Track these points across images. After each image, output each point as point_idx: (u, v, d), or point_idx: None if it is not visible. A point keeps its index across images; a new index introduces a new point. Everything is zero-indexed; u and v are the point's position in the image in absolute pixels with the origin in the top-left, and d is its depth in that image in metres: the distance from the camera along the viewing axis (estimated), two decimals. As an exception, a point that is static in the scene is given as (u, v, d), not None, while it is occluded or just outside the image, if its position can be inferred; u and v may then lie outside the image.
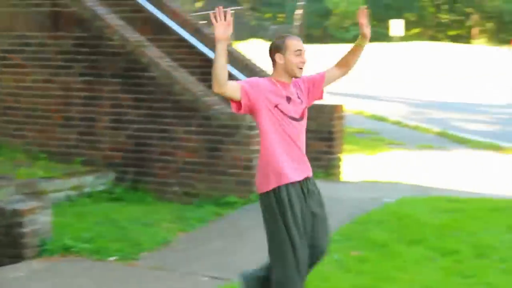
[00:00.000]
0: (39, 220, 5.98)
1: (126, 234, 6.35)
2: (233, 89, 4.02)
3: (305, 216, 4.18)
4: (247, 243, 6.31)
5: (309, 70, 4.34)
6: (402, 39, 39.28)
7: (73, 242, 6.08)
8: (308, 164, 4.27)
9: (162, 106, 7.84)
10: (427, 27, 54.16)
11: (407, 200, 7.58)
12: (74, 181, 7.71)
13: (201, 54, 8.91)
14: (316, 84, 4.38)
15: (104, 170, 8.00)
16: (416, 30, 52.45)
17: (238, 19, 37.46)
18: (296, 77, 4.23)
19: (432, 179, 9.63)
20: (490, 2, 51.60)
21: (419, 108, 17.91)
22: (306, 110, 4.28)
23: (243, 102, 4.06)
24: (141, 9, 9.14)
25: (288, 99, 4.17)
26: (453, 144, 12.79)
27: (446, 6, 54.94)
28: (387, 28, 40.26)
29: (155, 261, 5.88)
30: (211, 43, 8.99)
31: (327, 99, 4.92)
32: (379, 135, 13.74)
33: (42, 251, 5.96)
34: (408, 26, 47.58)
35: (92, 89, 8.15)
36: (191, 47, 8.98)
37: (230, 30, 3.92)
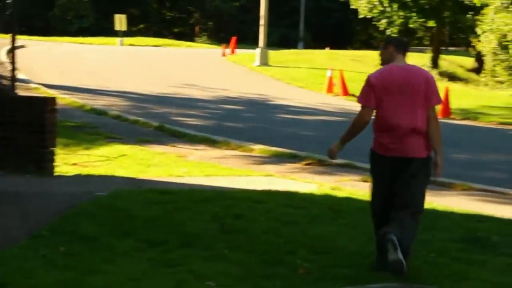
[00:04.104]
0: None
1: None
2: None
3: None
4: None
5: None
6: (126, 34, 39.36)
7: None
8: None
9: None
10: (151, 23, 54.90)
11: (120, 193, 7.62)
12: None
13: None
14: None
15: None
16: (141, 26, 52.96)
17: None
18: None
19: (148, 172, 9.79)
20: (210, 2, 53.72)
21: (140, 102, 18.08)
22: None
23: None
24: None
25: None
26: (170, 138, 13.12)
27: (169, 3, 56.18)
28: (112, 22, 40.06)
29: None
30: None
31: (41, 91, 4.78)
32: (98, 129, 13.65)
33: None
34: (134, 21, 47.87)
35: None
36: None
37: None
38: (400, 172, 5.46)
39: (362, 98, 5.59)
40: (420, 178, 5.46)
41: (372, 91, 5.51)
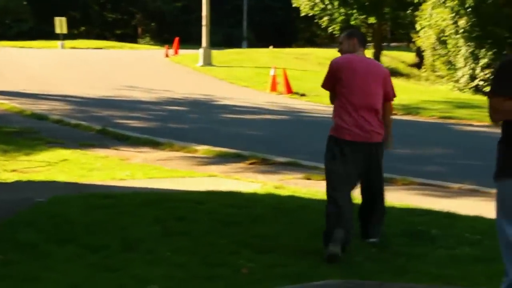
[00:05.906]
0: None
1: None
2: None
3: None
4: None
5: None
6: (68, 37, 38.82)
7: None
8: None
9: None
10: (93, 26, 54.26)
11: (60, 199, 7.50)
12: None
13: None
14: None
15: None
16: (82, 28, 52.31)
17: None
18: None
19: (90, 176, 9.65)
20: (152, 3, 53.38)
21: (82, 106, 17.85)
22: None
23: None
24: None
25: None
26: (113, 141, 12.96)
27: (110, 5, 55.62)
28: (53, 25, 39.46)
29: None
30: None
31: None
32: (39, 134, 13.40)
33: None
34: (75, 24, 47.24)
35: None
36: None
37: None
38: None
39: (324, 84, 5.91)
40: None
41: (332, 76, 5.79)
